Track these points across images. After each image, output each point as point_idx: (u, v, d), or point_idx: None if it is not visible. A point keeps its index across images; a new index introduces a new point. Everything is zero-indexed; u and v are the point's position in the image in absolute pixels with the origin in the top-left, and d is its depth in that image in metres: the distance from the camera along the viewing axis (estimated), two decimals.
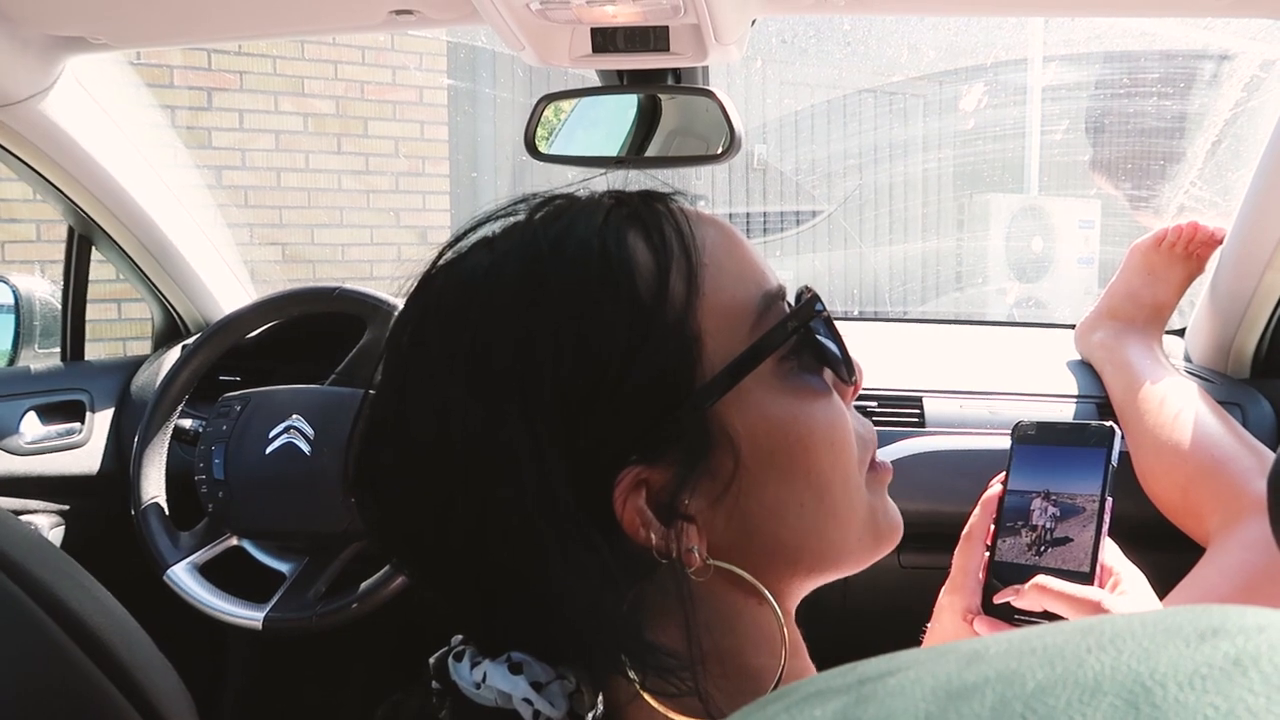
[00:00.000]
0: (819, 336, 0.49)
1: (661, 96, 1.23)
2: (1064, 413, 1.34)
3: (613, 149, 1.24)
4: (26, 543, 0.57)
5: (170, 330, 1.63)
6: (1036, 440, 0.80)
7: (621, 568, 0.44)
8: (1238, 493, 1.08)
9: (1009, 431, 1.33)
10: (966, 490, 1.30)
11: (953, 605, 0.79)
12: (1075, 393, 1.36)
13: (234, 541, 1.26)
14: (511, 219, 0.50)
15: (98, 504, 1.40)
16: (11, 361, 1.50)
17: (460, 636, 0.48)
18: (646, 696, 0.44)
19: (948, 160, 5.04)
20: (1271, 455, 1.10)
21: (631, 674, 0.44)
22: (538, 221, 0.48)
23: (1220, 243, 1.32)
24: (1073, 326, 1.48)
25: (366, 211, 4.41)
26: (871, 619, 1.45)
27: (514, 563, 0.44)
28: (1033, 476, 0.79)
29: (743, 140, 1.06)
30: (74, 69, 1.23)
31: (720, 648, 0.47)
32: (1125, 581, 0.75)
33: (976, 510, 0.82)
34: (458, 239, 0.50)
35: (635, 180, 0.52)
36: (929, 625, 0.83)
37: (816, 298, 0.49)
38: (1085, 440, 0.78)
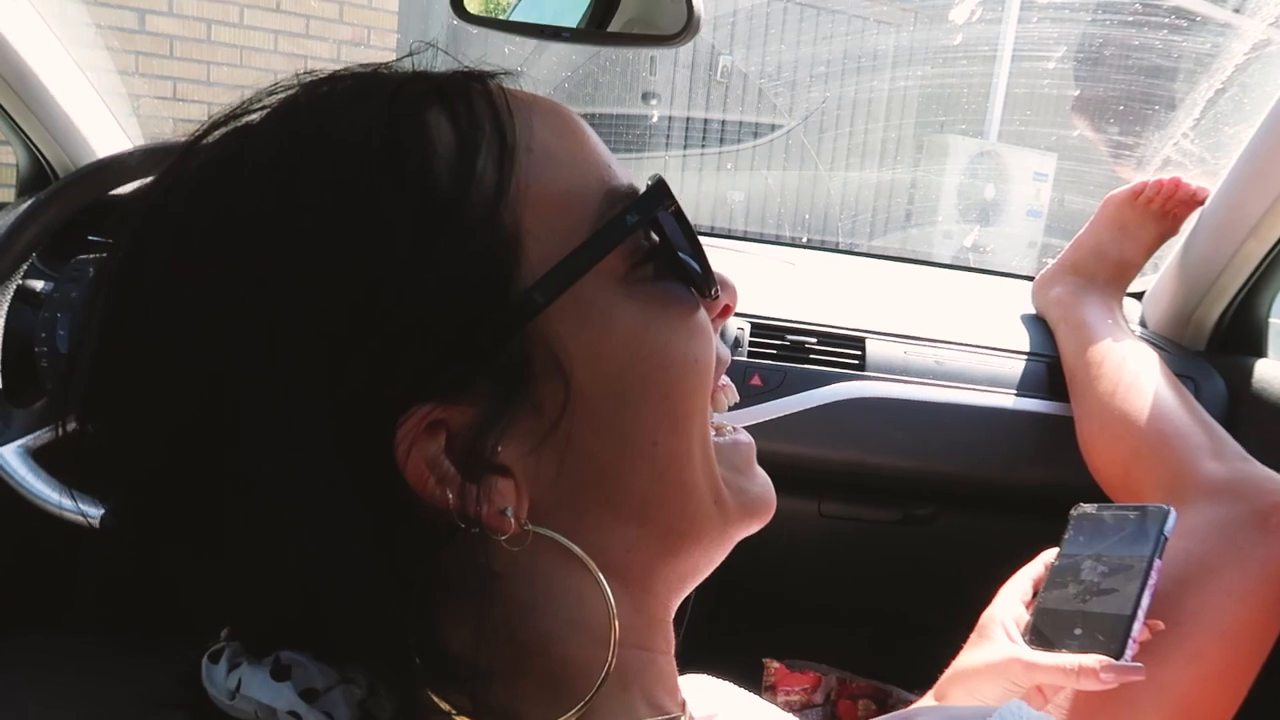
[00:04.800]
0: (670, 236, 0.39)
1: None
2: (1013, 369, 1.25)
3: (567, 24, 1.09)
4: None
5: (37, 178, 1.43)
6: (1093, 518, 0.86)
7: (409, 539, 0.34)
8: (1182, 474, 1.00)
9: (954, 384, 1.24)
10: (902, 443, 1.23)
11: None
12: (1026, 349, 1.28)
13: None
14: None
15: None
16: None
17: (226, 631, 0.37)
18: (439, 701, 0.35)
19: (915, 80, 4.88)
20: (1226, 436, 1.03)
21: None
22: (307, 99, 0.37)
23: (1201, 203, 1.24)
24: (1030, 278, 1.39)
25: (347, 67, 4.14)
26: (786, 566, 1.38)
27: (261, 536, 0.34)
28: (1086, 546, 0.84)
29: (700, 23, 0.91)
30: None
31: (543, 634, 0.37)
32: None
33: (1028, 566, 0.88)
34: (216, 124, 0.38)
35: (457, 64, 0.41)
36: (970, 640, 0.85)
37: (666, 187, 0.38)
38: (1142, 517, 0.83)
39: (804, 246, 2.06)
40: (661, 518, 0.39)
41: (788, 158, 4.84)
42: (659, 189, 0.38)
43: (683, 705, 0.42)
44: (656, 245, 0.39)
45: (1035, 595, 0.84)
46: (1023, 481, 1.23)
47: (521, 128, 0.38)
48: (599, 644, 0.37)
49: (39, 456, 1.07)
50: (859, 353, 1.23)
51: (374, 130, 0.35)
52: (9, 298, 1.12)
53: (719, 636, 1.22)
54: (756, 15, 4.81)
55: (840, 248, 3.43)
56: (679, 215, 0.39)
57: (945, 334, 1.28)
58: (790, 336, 1.22)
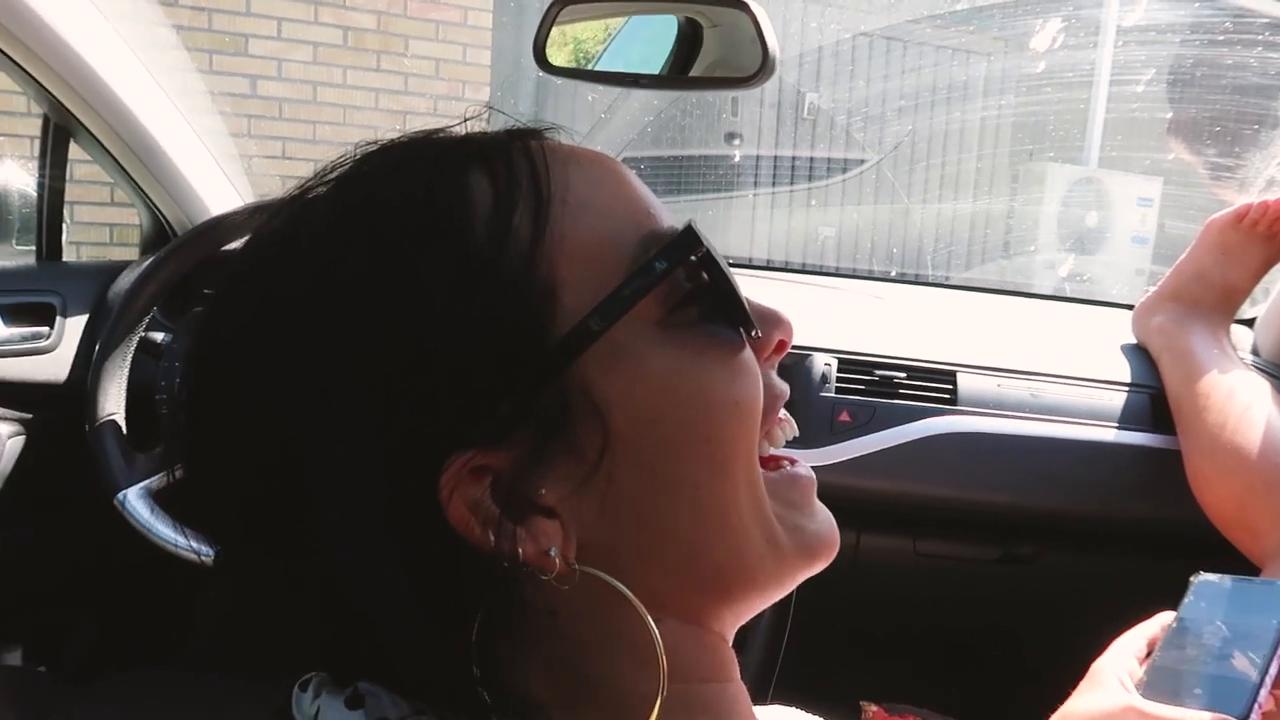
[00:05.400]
0: (703, 279, 0.39)
1: (703, 23, 1.11)
2: (1113, 402, 1.21)
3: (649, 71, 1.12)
4: None
5: (158, 236, 1.53)
6: (1215, 585, 0.83)
7: (465, 578, 0.36)
8: None
9: (1051, 418, 1.20)
10: (996, 478, 1.20)
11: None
12: (1127, 381, 1.24)
13: None
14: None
15: (63, 415, 1.31)
16: None
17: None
18: None
19: (1008, 109, 4.77)
20: None
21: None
22: (360, 168, 0.40)
23: None
24: (1130, 306, 1.35)
25: (403, 134, 4.29)
26: (883, 605, 1.35)
27: (328, 577, 0.36)
28: (1207, 612, 0.81)
29: (775, 64, 0.92)
30: None
31: (604, 668, 0.38)
32: None
33: (1143, 625, 0.84)
34: (299, 193, 0.40)
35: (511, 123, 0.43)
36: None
37: (694, 232, 0.39)
38: (1268, 588, 0.80)
39: (894, 280, 2.04)
40: (708, 560, 0.39)
41: (878, 192, 4.79)
42: (687, 235, 0.39)
43: None
44: (691, 289, 0.39)
45: (1150, 654, 0.80)
46: (1127, 517, 1.18)
47: (557, 181, 0.39)
48: (654, 677, 0.37)
49: (160, 498, 1.14)
50: (950, 387, 1.21)
51: (416, 195, 0.38)
52: (133, 349, 1.20)
53: (815, 678, 1.20)
54: (841, 52, 4.80)
55: (931, 281, 3.37)
56: (708, 259, 0.39)
57: (1040, 366, 1.25)
58: (879, 371, 1.21)
